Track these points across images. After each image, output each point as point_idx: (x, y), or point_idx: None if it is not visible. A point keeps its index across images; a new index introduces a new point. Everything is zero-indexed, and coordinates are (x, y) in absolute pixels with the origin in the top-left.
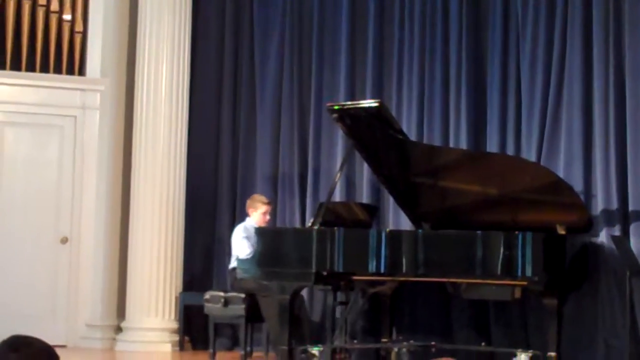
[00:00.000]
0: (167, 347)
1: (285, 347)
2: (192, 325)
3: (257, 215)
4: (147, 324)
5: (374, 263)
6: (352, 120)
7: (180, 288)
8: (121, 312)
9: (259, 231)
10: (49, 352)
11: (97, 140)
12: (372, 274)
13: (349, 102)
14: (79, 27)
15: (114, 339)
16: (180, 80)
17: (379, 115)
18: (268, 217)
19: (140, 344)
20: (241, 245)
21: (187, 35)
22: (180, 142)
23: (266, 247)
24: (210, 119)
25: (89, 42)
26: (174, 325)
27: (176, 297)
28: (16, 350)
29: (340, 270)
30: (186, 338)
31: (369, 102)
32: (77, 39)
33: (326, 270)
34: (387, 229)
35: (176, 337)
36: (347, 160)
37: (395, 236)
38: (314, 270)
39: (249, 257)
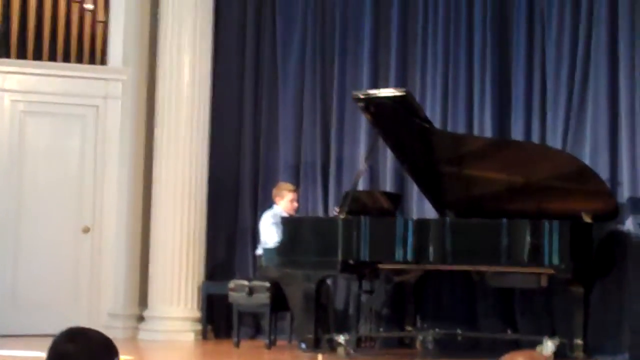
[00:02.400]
0: (190, 337)
1: (311, 336)
2: (215, 314)
3: (284, 202)
4: (170, 313)
5: (401, 251)
6: (378, 109)
7: (202, 277)
8: (143, 301)
9: (285, 220)
10: (106, 344)
11: (119, 130)
12: (399, 263)
13: (375, 91)
14: (100, 16)
15: (136, 328)
16: (203, 69)
17: (405, 103)
18: (295, 204)
19: (163, 333)
20: (270, 231)
21: (209, 24)
22: (203, 131)
23: (292, 236)
24: (233, 107)
25: (111, 31)
26: (197, 314)
27: (198, 286)
28: (73, 341)
29: (367, 259)
30: (209, 327)
31: (395, 91)
32: (99, 28)
33: (352, 259)
34: (414, 217)
35: (199, 326)
36: (373, 149)
37: (423, 224)
38: (340, 258)
39: (278, 244)
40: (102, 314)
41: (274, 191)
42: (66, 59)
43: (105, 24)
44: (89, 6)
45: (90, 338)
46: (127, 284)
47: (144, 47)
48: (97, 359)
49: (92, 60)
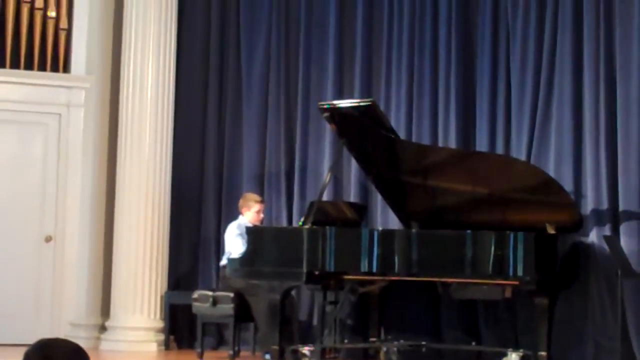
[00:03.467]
0: (153, 347)
1: (275, 347)
2: (178, 325)
3: (250, 213)
4: (132, 323)
5: (366, 262)
6: (343, 119)
7: (165, 287)
8: (106, 311)
9: (250, 230)
10: (79, 352)
11: (82, 138)
12: (364, 273)
13: (341, 101)
14: (63, 24)
15: (99, 338)
16: (166, 78)
17: (370, 114)
18: (262, 215)
19: (125, 344)
20: (235, 242)
21: (172, 32)
22: (166, 140)
23: (257, 246)
24: (196, 117)
25: (74, 39)
26: (160, 324)
27: (161, 296)
28: (49, 357)
29: (332, 269)
30: (171, 337)
31: (360, 101)
32: (62, 36)
33: (318, 270)
34: (380, 228)
35: (161, 337)
36: (339, 160)
37: (388, 235)
38: (305, 269)
39: (242, 254)
40: (64, 324)
41: (241, 202)
42: (29, 66)
43: (69, 31)
44: (51, 14)
45: (63, 350)
46: (90, 294)
47: (107, 55)
48: None
49: (55, 68)
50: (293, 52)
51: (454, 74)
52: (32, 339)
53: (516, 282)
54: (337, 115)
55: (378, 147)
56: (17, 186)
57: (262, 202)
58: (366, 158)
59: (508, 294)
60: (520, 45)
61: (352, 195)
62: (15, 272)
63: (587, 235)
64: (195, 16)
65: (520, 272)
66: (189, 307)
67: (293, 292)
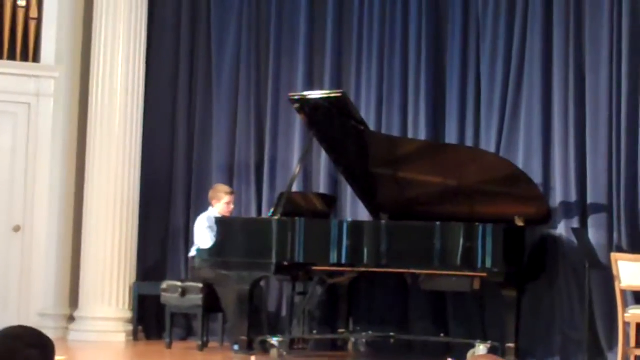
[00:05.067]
0: (121, 337)
1: (244, 338)
2: (146, 315)
3: (220, 205)
4: (101, 313)
5: (335, 254)
6: (313, 110)
7: (134, 277)
8: (74, 301)
9: (219, 221)
10: (42, 338)
11: (51, 128)
12: (333, 265)
13: (311, 92)
14: (33, 13)
15: (67, 329)
16: (136, 69)
17: (340, 105)
18: (232, 206)
19: (94, 334)
20: (204, 235)
21: (143, 23)
22: (136, 131)
23: (226, 237)
24: (166, 107)
25: (44, 29)
26: (128, 315)
27: (130, 287)
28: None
29: (301, 260)
30: (140, 328)
31: (331, 92)
32: (32, 25)
33: (287, 261)
34: (349, 220)
35: (130, 327)
36: (309, 151)
37: (357, 227)
38: (274, 260)
39: (211, 245)
40: (32, 314)
41: (211, 193)
42: None
43: (39, 21)
44: (22, 3)
45: (26, 337)
46: (58, 284)
47: (77, 45)
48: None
49: (24, 58)
50: (264, 44)
51: (425, 66)
52: None
53: (484, 274)
54: (307, 107)
55: (348, 139)
56: None
57: (232, 193)
58: (336, 149)
59: (477, 285)
60: (491, 39)
61: (321, 186)
62: None
63: (555, 227)
64: (166, 7)
65: (488, 264)
66: (158, 297)
67: (262, 283)
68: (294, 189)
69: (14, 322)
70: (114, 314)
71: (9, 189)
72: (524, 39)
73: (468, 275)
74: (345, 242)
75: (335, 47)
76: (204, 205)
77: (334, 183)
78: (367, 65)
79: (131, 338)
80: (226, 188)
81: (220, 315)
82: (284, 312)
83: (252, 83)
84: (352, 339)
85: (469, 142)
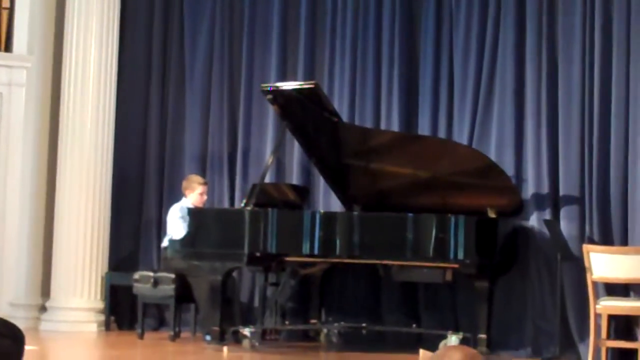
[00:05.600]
0: (93, 327)
1: (216, 328)
2: (118, 306)
3: (194, 195)
4: (73, 303)
5: (308, 244)
6: (286, 101)
7: (106, 268)
8: (46, 291)
9: (191, 211)
10: (13, 329)
11: (23, 118)
12: (306, 256)
13: (284, 83)
14: (5, 2)
15: (38, 319)
16: (109, 59)
17: (313, 96)
18: (205, 197)
19: (65, 324)
20: (176, 225)
21: (116, 13)
22: (108, 121)
23: (198, 227)
24: (139, 98)
25: (16, 18)
26: (100, 305)
27: (102, 277)
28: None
29: (274, 251)
30: (112, 318)
31: (303, 83)
32: (4, 14)
33: (259, 252)
34: (322, 211)
35: (102, 317)
36: (282, 142)
37: (330, 218)
38: (246, 251)
39: (183, 236)
40: (3, 304)
41: (184, 183)
42: None
43: (11, 10)
44: None
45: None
46: (30, 274)
47: (50, 35)
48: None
49: None
50: (237, 34)
51: (398, 57)
52: None
53: (457, 265)
54: (280, 98)
55: (321, 130)
56: None
57: (205, 184)
58: (309, 140)
59: (449, 277)
60: (464, 29)
61: (294, 177)
62: None
63: (527, 219)
64: None
65: (460, 256)
66: (130, 288)
67: (234, 274)
68: (267, 179)
69: None
70: (85, 304)
71: None
72: (497, 31)
73: (440, 267)
74: (317, 233)
75: (308, 39)
76: (176, 196)
77: (306, 174)
78: (340, 56)
79: (103, 328)
80: (199, 179)
81: (192, 306)
82: (256, 303)
83: (225, 74)
84: (325, 330)
85: (442, 134)
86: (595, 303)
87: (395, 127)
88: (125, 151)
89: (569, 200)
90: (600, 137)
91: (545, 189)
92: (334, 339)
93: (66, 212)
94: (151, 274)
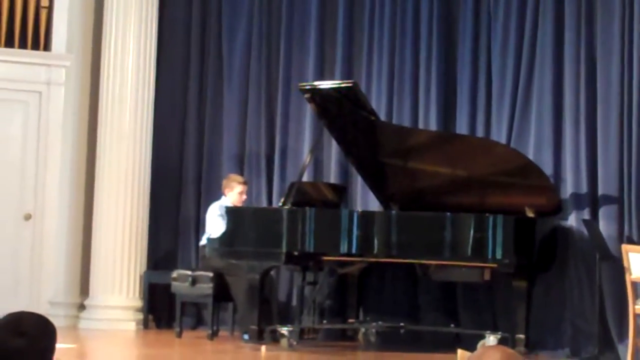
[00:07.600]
0: (131, 326)
1: (254, 327)
2: (156, 304)
3: (233, 194)
4: (111, 302)
5: (346, 244)
6: (324, 100)
7: (144, 266)
8: (85, 289)
9: (229, 210)
10: (47, 324)
11: (61, 117)
12: (343, 255)
13: (322, 82)
14: (44, 2)
15: (77, 317)
16: (147, 58)
17: (351, 95)
18: (244, 196)
19: (104, 322)
20: (216, 223)
21: (154, 12)
22: (146, 120)
23: (236, 226)
24: (177, 97)
25: (55, 17)
26: (138, 303)
27: (140, 276)
28: (20, 331)
29: (311, 250)
30: (150, 317)
31: (342, 83)
32: (43, 13)
33: (297, 251)
34: (359, 210)
35: (140, 316)
36: (319, 141)
37: (368, 217)
38: (284, 250)
39: (222, 235)
40: (43, 302)
41: (224, 182)
42: (9, 44)
43: (50, 9)
44: None
45: (31, 321)
46: (69, 272)
47: (88, 34)
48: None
49: (35, 46)
50: (274, 33)
51: (436, 56)
52: None
53: (495, 265)
54: (317, 97)
55: (358, 129)
56: None
57: (245, 183)
58: (346, 139)
59: (487, 276)
60: (502, 28)
61: (332, 176)
62: None
63: (566, 219)
64: None
65: (499, 255)
66: (168, 286)
67: (272, 273)
68: (305, 178)
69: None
70: (124, 303)
71: (20, 177)
72: (535, 29)
73: (478, 266)
74: (355, 232)
75: (346, 37)
76: (214, 195)
77: (344, 173)
78: (378, 55)
79: (141, 327)
80: (239, 178)
81: (230, 305)
82: (294, 302)
83: (263, 73)
84: (362, 329)
85: (480, 133)
86: (634, 303)
87: (433, 126)
88: (163, 150)
89: (608, 199)
90: (639, 136)
91: (583, 188)
92: (372, 339)
93: (105, 210)
94: (189, 272)
